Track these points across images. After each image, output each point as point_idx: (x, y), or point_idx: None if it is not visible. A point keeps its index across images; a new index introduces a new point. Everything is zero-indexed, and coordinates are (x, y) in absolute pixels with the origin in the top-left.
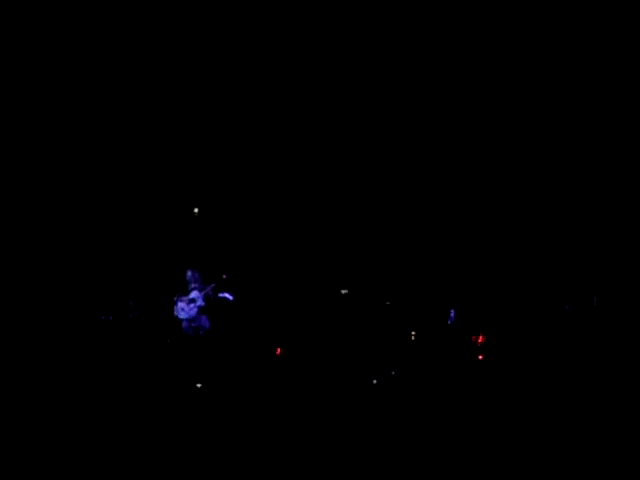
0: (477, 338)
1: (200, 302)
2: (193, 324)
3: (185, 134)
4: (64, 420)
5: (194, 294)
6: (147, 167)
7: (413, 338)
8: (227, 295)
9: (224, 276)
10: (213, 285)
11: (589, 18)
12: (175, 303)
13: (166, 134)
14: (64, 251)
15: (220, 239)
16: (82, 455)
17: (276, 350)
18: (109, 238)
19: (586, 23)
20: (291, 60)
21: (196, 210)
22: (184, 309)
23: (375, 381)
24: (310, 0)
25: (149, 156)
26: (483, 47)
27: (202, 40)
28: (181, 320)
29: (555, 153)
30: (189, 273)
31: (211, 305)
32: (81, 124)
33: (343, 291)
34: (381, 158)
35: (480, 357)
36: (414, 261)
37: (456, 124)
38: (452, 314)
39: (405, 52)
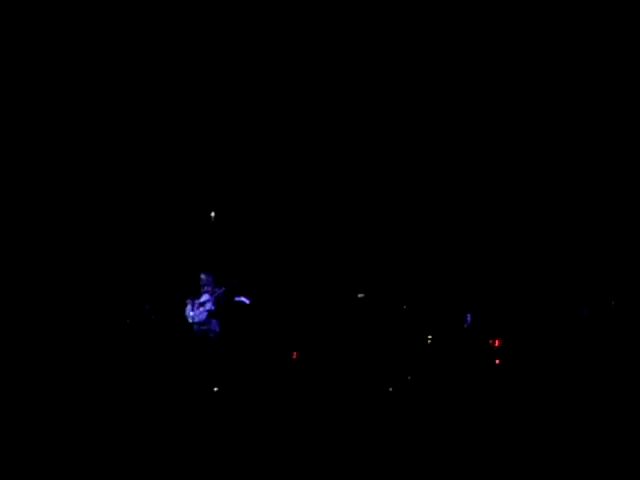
0: (494, 342)
1: (210, 306)
2: (203, 327)
3: (203, 138)
4: (79, 421)
5: (205, 297)
6: (164, 173)
7: (430, 342)
8: (244, 299)
9: (234, 282)
10: (224, 289)
11: (589, 18)
12: (186, 306)
13: (184, 138)
14: (83, 257)
15: (236, 243)
16: (94, 456)
17: (292, 354)
18: (126, 244)
19: (586, 23)
20: (294, 62)
21: (213, 214)
22: (194, 312)
23: (391, 385)
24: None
25: (167, 163)
26: (483, 47)
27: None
28: (192, 323)
29: (567, 157)
30: (203, 276)
31: (221, 309)
32: (99, 131)
33: (360, 295)
34: (400, 165)
35: (497, 362)
36: (431, 265)
37: (466, 127)
38: (469, 318)
39: (405, 52)
